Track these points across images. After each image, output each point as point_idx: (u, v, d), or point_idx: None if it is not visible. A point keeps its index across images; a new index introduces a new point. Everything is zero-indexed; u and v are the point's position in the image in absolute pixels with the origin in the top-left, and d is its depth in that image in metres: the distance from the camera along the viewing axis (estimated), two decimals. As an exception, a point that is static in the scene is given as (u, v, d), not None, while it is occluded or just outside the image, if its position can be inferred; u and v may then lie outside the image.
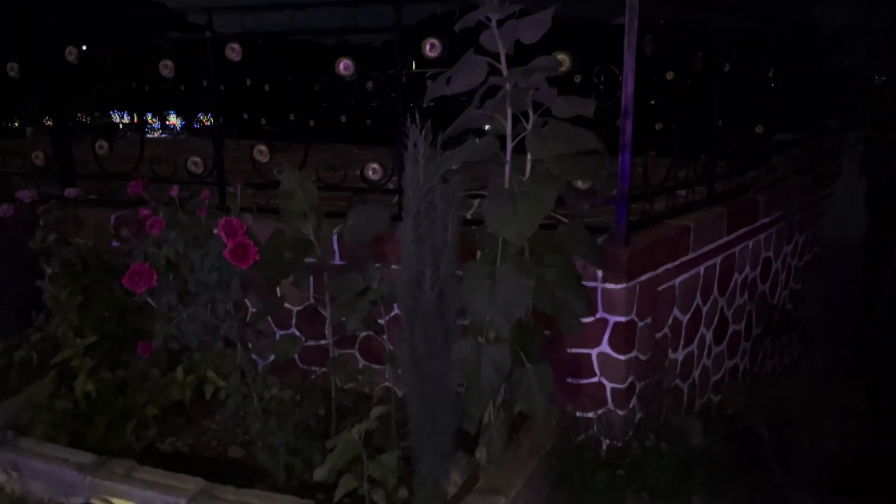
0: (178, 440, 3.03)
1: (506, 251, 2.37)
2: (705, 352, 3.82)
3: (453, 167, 2.33)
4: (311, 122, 5.14)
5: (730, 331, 4.05)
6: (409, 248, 2.40)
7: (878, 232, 3.90)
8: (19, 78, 3.76)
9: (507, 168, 2.42)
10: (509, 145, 2.41)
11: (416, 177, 2.34)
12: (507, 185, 2.42)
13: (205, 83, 3.76)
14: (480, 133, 2.58)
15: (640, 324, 3.14)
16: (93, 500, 2.49)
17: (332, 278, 2.75)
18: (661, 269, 3.26)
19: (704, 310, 3.72)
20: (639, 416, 3.23)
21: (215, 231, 2.45)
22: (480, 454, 2.72)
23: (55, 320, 2.72)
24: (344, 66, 3.39)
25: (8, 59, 3.85)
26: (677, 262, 3.39)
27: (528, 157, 2.44)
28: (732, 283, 3.98)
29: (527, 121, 2.43)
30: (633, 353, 3.12)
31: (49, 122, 4.15)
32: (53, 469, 2.59)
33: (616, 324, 3.04)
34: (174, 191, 2.65)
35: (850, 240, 3.96)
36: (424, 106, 2.48)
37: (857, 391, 2.95)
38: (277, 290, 3.34)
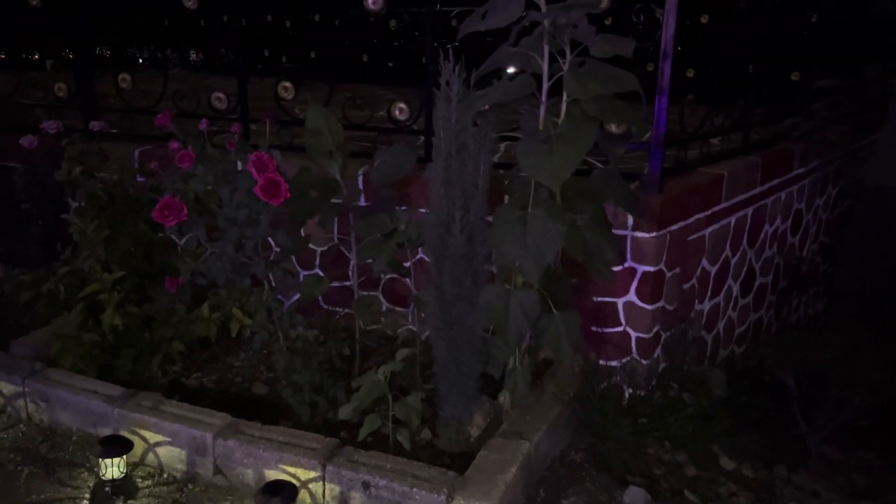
0: (202, 376, 3.06)
1: (537, 195, 2.31)
2: (731, 303, 3.78)
3: (486, 107, 2.25)
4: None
5: (757, 283, 3.99)
6: (438, 190, 2.34)
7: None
8: (40, 7, 3.67)
9: (542, 109, 2.34)
10: (545, 85, 2.32)
11: (448, 116, 2.27)
12: (541, 127, 2.34)
13: (226, 18, 3.66)
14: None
15: (669, 274, 3.09)
16: (121, 432, 2.52)
17: (357, 219, 2.71)
18: (692, 219, 3.19)
19: (733, 261, 3.66)
20: (662, 365, 3.21)
21: (243, 167, 2.40)
22: (504, 398, 2.73)
23: (82, 254, 2.71)
24: (373, 0, 3.28)
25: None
26: (709, 212, 3.31)
27: (564, 98, 2.36)
28: (762, 235, 3.90)
29: (563, 60, 2.34)
30: (660, 304, 3.08)
31: (70, 55, 4.07)
32: (82, 400, 2.62)
33: (644, 273, 2.99)
34: (203, 124, 2.60)
35: (891, 189, 3.84)
36: (457, 42, 2.39)
37: (888, 345, 2.90)
38: (301, 229, 3.32)
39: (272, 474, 2.38)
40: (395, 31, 5.74)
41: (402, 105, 3.39)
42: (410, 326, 3.34)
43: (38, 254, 3.24)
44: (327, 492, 2.32)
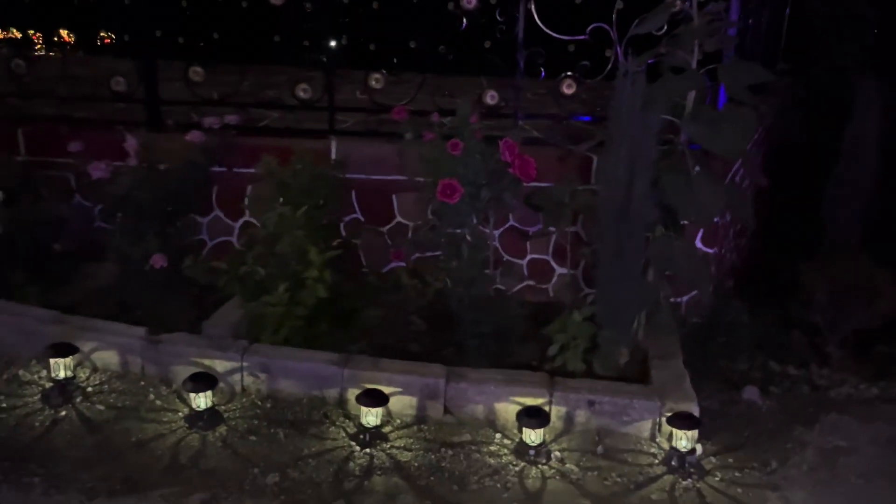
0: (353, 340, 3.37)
1: (693, 164, 2.96)
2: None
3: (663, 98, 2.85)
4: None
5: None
6: (619, 164, 2.89)
7: None
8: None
9: (693, 95, 2.98)
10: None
11: (633, 102, 2.82)
12: (688, 110, 2.98)
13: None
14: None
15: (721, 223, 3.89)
16: (349, 390, 2.86)
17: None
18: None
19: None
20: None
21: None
22: (637, 330, 3.37)
23: (283, 238, 2.92)
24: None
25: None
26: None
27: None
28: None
29: (690, 56, 3.00)
30: (716, 249, 3.87)
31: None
32: (310, 367, 2.91)
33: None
34: (435, 116, 2.95)
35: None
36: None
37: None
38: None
39: (501, 406, 2.86)
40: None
41: (494, 92, 3.86)
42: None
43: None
44: (553, 412, 2.84)
